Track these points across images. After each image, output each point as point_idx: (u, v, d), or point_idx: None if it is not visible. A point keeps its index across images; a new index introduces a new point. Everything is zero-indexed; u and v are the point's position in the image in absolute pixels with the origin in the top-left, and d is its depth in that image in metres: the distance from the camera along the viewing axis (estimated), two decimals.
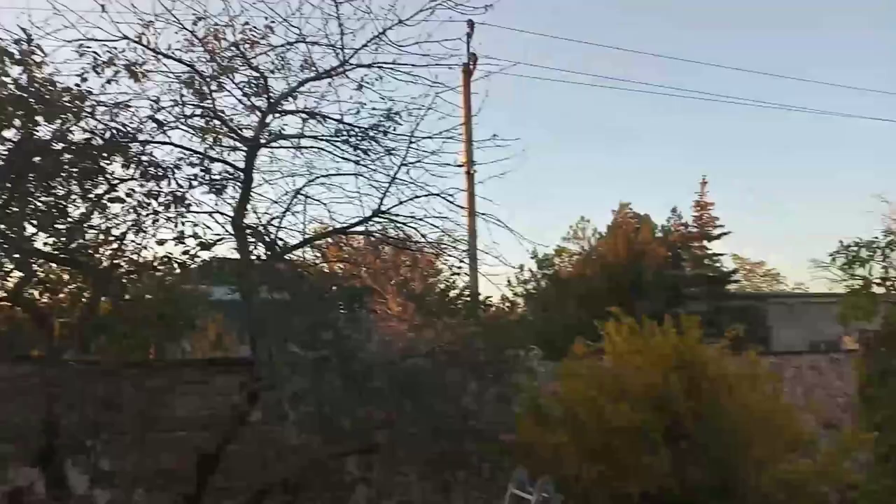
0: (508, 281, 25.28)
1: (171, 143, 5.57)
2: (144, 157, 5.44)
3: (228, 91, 5.73)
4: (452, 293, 9.36)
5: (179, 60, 5.54)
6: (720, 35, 48.04)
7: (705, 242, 22.41)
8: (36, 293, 5.98)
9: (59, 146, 5.11)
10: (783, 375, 11.11)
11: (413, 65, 5.61)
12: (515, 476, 6.46)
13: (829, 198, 51.95)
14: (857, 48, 48.30)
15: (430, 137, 5.79)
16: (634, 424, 6.42)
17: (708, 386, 6.78)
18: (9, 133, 4.99)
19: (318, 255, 6.80)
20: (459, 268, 8.40)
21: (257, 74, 5.61)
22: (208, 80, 5.55)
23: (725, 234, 22.45)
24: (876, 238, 4.29)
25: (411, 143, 5.78)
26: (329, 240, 7.23)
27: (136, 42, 5.31)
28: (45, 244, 5.29)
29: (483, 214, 6.75)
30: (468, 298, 8.14)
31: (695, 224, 22.88)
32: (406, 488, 8.86)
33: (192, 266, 5.50)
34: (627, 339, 7.41)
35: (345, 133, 5.81)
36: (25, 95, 4.99)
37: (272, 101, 5.64)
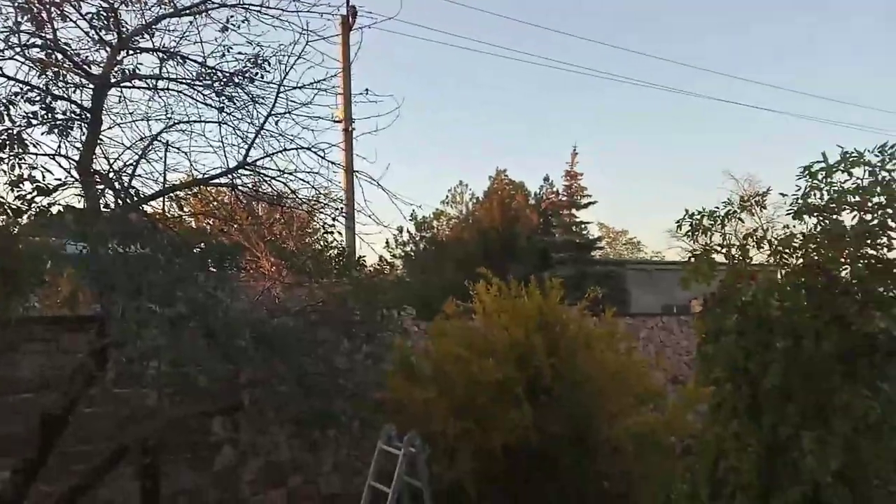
0: (387, 242, 25.36)
1: (4, 76, 4.96)
2: None
3: (73, 22, 5.15)
4: (328, 253, 9.18)
5: None
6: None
7: (574, 210, 23.41)
8: None
9: None
10: (638, 336, 11.98)
11: (283, 10, 5.31)
12: (384, 432, 6.55)
13: (688, 173, 55.93)
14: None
15: (300, 87, 5.52)
16: (499, 380, 6.65)
17: (567, 344, 7.14)
18: None
19: (178, 207, 6.39)
20: (332, 226, 8.21)
21: (106, 5, 5.06)
22: (48, 6, 4.95)
23: (592, 203, 23.59)
24: (717, 208, 4.61)
25: (280, 92, 5.49)
26: (191, 191, 6.80)
27: None
28: None
29: (357, 172, 6.59)
30: (342, 258, 8.01)
31: (564, 192, 23.82)
32: (274, 447, 8.75)
33: (30, 213, 4.95)
34: (496, 299, 7.63)
35: (207, 77, 5.41)
36: None
37: (123, 36, 5.13)
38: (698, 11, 51.26)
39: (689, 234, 4.58)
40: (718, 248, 4.51)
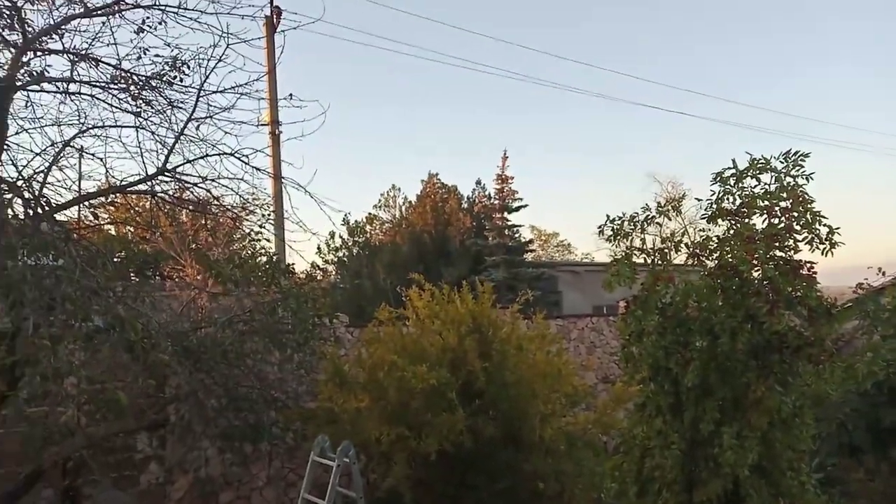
0: (319, 248, 25.03)
1: None
2: None
3: None
4: (257, 260, 8.98)
5: None
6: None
7: (506, 214, 23.68)
8: None
9: None
10: (569, 337, 12.21)
11: (202, 11, 5.12)
12: (317, 443, 6.44)
13: (616, 174, 57.58)
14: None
15: (221, 92, 5.35)
16: (432, 385, 6.66)
17: (499, 347, 7.21)
18: None
19: (94, 216, 6.10)
20: (259, 233, 8.03)
21: (9, 3, 4.78)
22: None
23: (523, 206, 23.91)
24: (636, 213, 4.75)
25: (200, 96, 5.31)
26: (111, 199, 6.51)
27: None
28: None
29: (284, 179, 6.45)
30: (271, 266, 7.84)
31: (496, 196, 24.07)
32: (204, 463, 8.49)
33: None
34: (428, 304, 7.64)
35: (122, 80, 5.18)
36: None
37: (29, 36, 4.86)
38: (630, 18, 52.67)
39: (611, 238, 4.71)
40: (639, 252, 4.66)
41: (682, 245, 4.54)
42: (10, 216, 4.91)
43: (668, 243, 4.58)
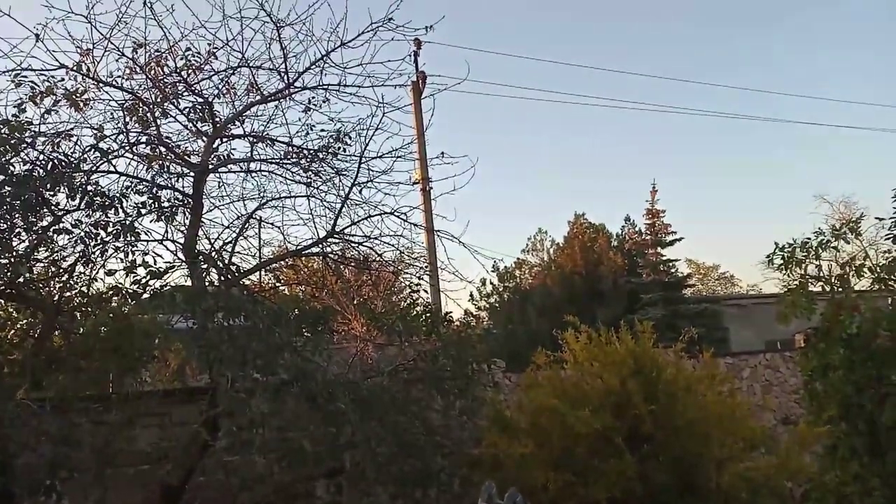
0: (471, 295, 25.45)
1: (117, 172, 5.48)
2: (90, 187, 5.29)
3: (173, 117, 5.71)
4: (414, 311, 9.36)
5: (121, 88, 5.47)
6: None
7: (659, 249, 22.80)
8: None
9: None
10: (741, 375, 11.40)
11: (359, 86, 5.63)
12: (485, 490, 6.47)
13: (776, 198, 53.49)
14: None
15: (380, 157, 5.82)
16: (597, 430, 6.51)
17: (665, 389, 6.92)
18: None
19: (275, 278, 6.76)
20: (418, 285, 8.41)
21: (201, 100, 5.56)
22: (152, 106, 5.49)
23: (678, 240, 22.88)
24: (809, 238, 4.44)
25: (362, 162, 5.80)
26: (285, 262, 7.18)
27: (74, 70, 5.22)
28: None
29: (438, 232, 6.78)
30: (429, 315, 8.15)
31: (648, 231, 23.28)
32: None
33: (144, 295, 5.38)
34: (585, 347, 7.52)
35: (294, 155, 5.81)
36: None
37: (218, 125, 5.61)
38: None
39: (782, 267, 4.43)
40: (815, 280, 4.34)
41: (865, 269, 4.17)
42: (207, 283, 5.57)
43: (849, 268, 4.22)
